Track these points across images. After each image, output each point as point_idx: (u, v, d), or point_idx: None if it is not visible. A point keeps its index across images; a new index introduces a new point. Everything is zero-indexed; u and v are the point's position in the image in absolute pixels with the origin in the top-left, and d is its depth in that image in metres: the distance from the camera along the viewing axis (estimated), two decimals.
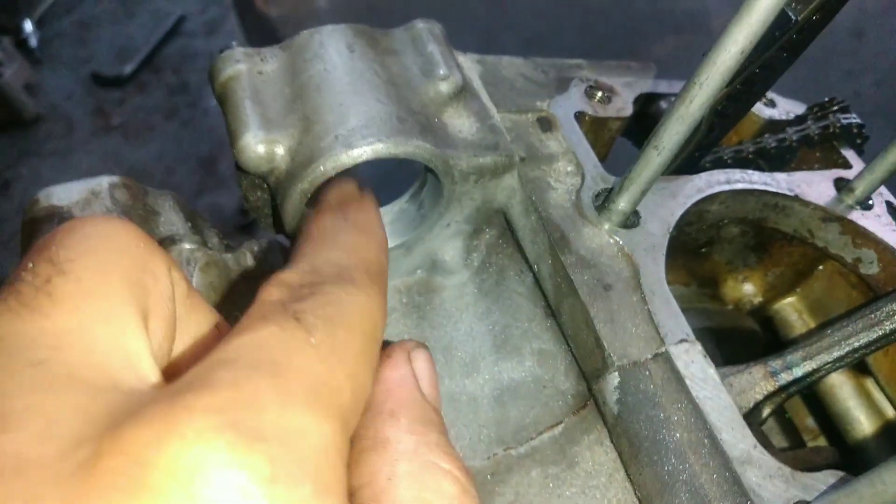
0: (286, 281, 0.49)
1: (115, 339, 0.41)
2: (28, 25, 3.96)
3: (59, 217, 0.88)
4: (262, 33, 4.14)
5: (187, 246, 0.84)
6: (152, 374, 0.42)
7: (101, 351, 0.40)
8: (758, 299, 1.15)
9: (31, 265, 0.41)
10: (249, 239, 0.99)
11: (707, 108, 0.74)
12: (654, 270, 0.82)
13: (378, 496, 0.45)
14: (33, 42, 3.96)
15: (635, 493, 0.76)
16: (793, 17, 0.83)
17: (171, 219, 0.93)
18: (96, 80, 3.82)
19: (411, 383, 0.58)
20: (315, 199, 0.84)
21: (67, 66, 3.89)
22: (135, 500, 0.32)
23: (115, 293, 0.43)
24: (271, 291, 0.48)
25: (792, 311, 1.14)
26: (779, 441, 1.17)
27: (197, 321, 0.54)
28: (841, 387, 1.08)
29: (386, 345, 0.57)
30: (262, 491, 0.34)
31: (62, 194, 0.90)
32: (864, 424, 1.05)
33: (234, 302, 0.85)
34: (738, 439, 0.72)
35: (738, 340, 1.09)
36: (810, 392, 1.12)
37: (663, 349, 0.76)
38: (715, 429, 0.72)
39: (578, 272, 0.82)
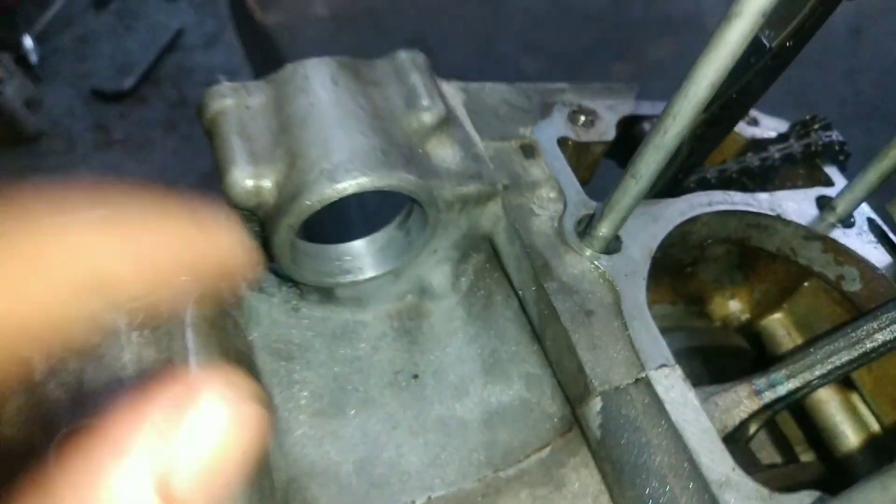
0: None
1: None
2: (28, 41, 3.99)
3: None
4: (261, 44, 4.17)
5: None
6: None
7: None
8: (745, 316, 1.17)
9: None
10: None
11: (682, 137, 0.76)
12: (635, 296, 0.84)
13: None
14: (33, 58, 3.98)
15: None
16: (766, 45, 0.85)
17: None
18: (96, 96, 3.84)
19: None
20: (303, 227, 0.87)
21: (67, 82, 3.91)
22: None
23: None
24: None
25: (779, 326, 1.16)
26: (770, 454, 1.19)
27: None
28: (828, 402, 1.10)
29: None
30: None
31: None
32: (850, 438, 1.06)
33: (228, 336, 0.87)
34: (716, 462, 0.73)
35: (726, 357, 1.11)
36: (798, 407, 1.14)
37: (643, 374, 0.78)
38: (694, 452, 0.74)
39: (561, 299, 0.83)
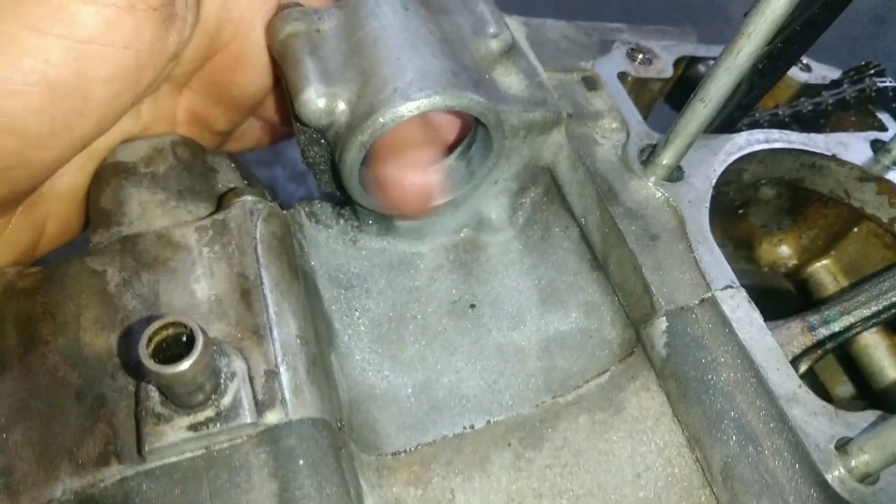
0: None
1: None
2: None
3: (124, 173, 0.91)
4: None
5: (249, 198, 0.87)
6: None
7: None
8: (792, 262, 1.18)
9: None
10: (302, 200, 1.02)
11: (754, 58, 0.76)
12: (699, 221, 0.85)
13: None
14: None
15: (683, 433, 0.79)
16: None
17: (229, 176, 0.96)
18: None
19: None
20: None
21: None
22: None
23: None
24: None
25: (826, 273, 1.16)
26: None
27: None
28: (876, 347, 1.10)
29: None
30: None
31: (128, 151, 0.94)
32: None
33: (296, 255, 0.88)
34: (783, 379, 0.74)
35: (773, 300, 1.12)
36: (844, 354, 1.14)
37: (709, 294, 0.79)
38: (761, 369, 0.74)
39: (626, 222, 0.84)
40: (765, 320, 1.00)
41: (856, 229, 1.12)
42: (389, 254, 1.00)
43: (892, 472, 0.69)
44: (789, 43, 0.93)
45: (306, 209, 1.00)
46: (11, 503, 0.67)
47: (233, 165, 0.98)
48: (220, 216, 0.86)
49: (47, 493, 0.67)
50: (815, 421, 0.72)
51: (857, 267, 1.14)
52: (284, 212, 0.96)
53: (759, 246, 1.17)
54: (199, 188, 0.91)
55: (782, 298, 1.14)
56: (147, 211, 0.87)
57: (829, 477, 0.68)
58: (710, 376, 0.75)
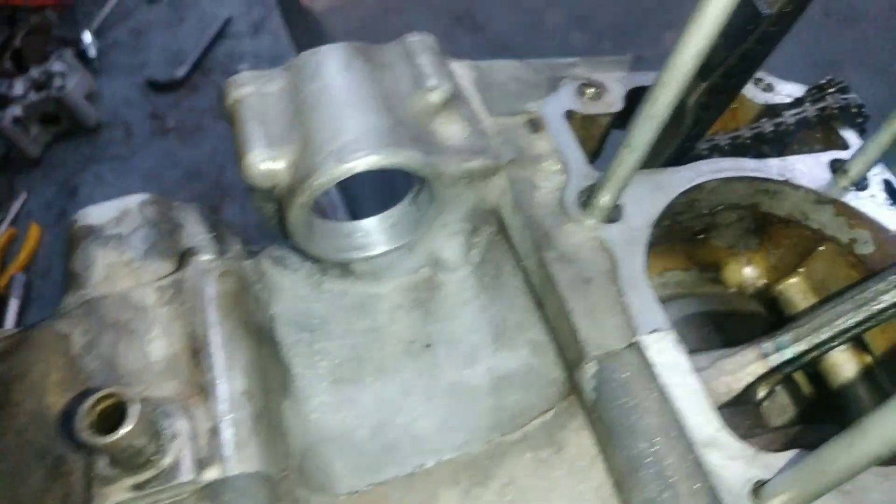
0: None
1: None
2: (87, 37, 4.17)
3: (94, 234, 0.98)
4: (307, 28, 4.24)
5: (204, 258, 0.92)
6: None
7: None
8: (761, 281, 1.18)
9: None
10: (273, 244, 1.07)
11: (672, 106, 0.78)
12: (633, 263, 0.87)
13: None
14: (92, 52, 4.16)
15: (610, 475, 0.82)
16: (761, 12, 0.85)
17: (194, 230, 1.01)
18: (151, 86, 4.00)
19: None
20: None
21: (124, 74, 4.07)
22: None
23: None
24: None
25: (796, 291, 1.16)
26: (792, 419, 1.19)
27: None
28: (842, 365, 1.10)
29: None
30: None
31: (97, 213, 1.00)
32: (864, 401, 1.07)
33: (249, 310, 0.93)
34: (703, 423, 0.76)
35: (740, 322, 1.12)
36: (815, 371, 1.14)
37: (635, 339, 0.81)
38: (681, 414, 0.76)
39: (559, 268, 0.87)
40: (729, 345, 1.01)
41: (821, 248, 1.11)
42: (350, 296, 1.04)
43: None
44: (729, 76, 0.93)
45: (274, 255, 1.05)
46: None
47: (200, 219, 1.03)
48: (177, 275, 0.92)
49: None
50: (732, 465, 0.73)
51: (825, 284, 1.13)
52: (247, 262, 1.01)
53: (726, 267, 1.17)
54: (162, 246, 0.97)
55: (750, 319, 1.14)
56: (112, 273, 0.93)
57: None
58: (633, 420, 0.78)
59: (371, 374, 0.98)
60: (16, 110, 3.71)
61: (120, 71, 4.12)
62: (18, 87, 3.81)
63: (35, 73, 3.84)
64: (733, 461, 0.73)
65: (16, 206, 3.64)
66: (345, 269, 1.03)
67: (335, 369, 0.98)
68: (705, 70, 0.92)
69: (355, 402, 0.95)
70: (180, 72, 4.00)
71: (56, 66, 3.84)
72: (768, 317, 1.16)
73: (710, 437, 0.75)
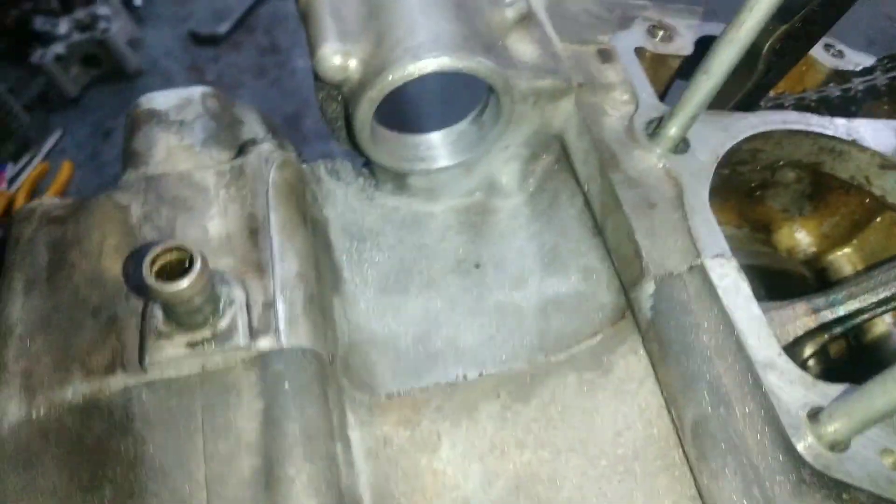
0: None
1: None
2: None
3: (156, 118, 0.98)
4: None
5: (266, 146, 0.92)
6: None
7: None
8: (812, 249, 1.16)
9: None
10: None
11: (756, 32, 0.77)
12: (698, 192, 0.86)
13: None
14: (138, 1, 4.18)
15: (662, 395, 0.81)
16: None
17: (254, 128, 1.02)
18: (193, 39, 4.01)
19: None
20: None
21: (168, 24, 4.10)
22: None
23: None
24: None
25: (846, 262, 1.15)
26: None
27: None
28: (888, 338, 1.08)
29: None
30: None
31: (160, 99, 1.00)
32: None
33: (306, 202, 0.93)
34: (763, 346, 0.75)
35: (788, 282, 1.11)
36: (857, 343, 1.13)
37: (699, 261, 0.80)
38: (742, 335, 0.75)
39: (625, 189, 0.86)
40: (771, 300, 1.00)
41: (878, 219, 1.10)
42: (403, 212, 1.04)
43: (863, 440, 0.69)
44: (808, 23, 0.92)
45: (328, 166, 1.05)
46: (28, 401, 0.74)
47: (259, 118, 1.04)
48: (237, 162, 0.92)
49: (60, 394, 0.74)
50: (790, 388, 0.72)
51: (878, 257, 1.12)
52: (304, 165, 1.01)
53: (778, 231, 1.16)
54: (223, 136, 0.97)
55: (798, 284, 1.13)
56: (173, 155, 0.94)
57: (797, 443, 0.69)
58: (690, 339, 0.77)
59: (418, 287, 0.97)
60: (58, 48, 3.73)
61: (164, 21, 4.14)
62: (63, 26, 3.83)
63: (80, 14, 3.86)
64: (791, 385, 0.72)
65: (50, 143, 3.65)
66: (399, 184, 1.03)
67: (383, 278, 0.98)
68: (786, 12, 0.91)
69: (401, 310, 0.95)
70: (223, 28, 4.01)
71: (102, 9, 3.86)
72: (816, 286, 1.15)
73: (770, 360, 0.74)
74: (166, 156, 0.94)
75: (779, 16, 0.92)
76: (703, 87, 0.83)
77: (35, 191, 3.41)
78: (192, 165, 0.92)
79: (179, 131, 0.96)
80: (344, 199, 1.03)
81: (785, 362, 0.75)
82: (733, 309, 0.77)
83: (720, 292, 0.78)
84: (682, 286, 0.79)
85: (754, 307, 0.78)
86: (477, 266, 0.99)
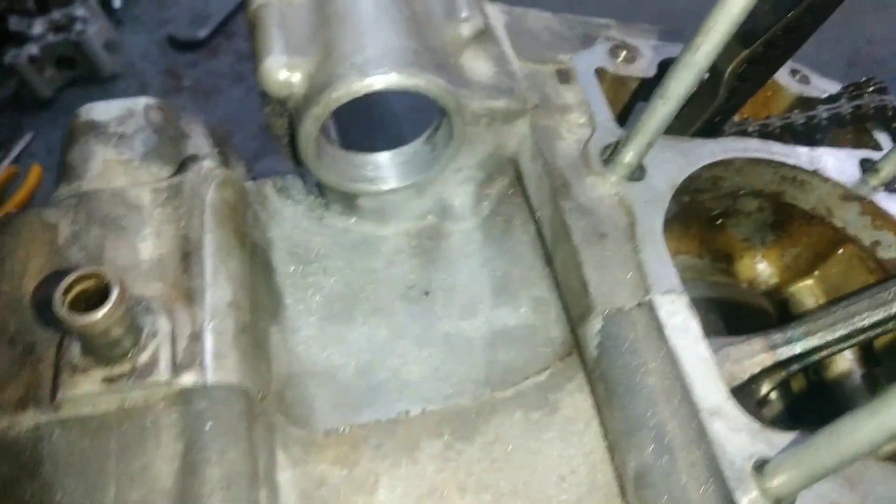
0: None
1: None
2: None
3: (95, 130, 0.94)
4: None
5: (207, 163, 0.88)
6: None
7: None
8: (773, 280, 1.14)
9: None
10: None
11: (713, 57, 0.74)
12: (652, 223, 0.83)
13: None
14: (117, 3, 4.12)
15: (605, 439, 0.77)
16: None
17: (199, 142, 0.98)
18: (171, 43, 3.96)
19: None
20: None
21: (146, 28, 4.04)
22: None
23: None
24: None
25: (808, 294, 1.12)
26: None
27: None
28: (849, 376, 1.06)
29: None
30: None
31: (101, 110, 0.96)
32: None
33: (246, 224, 0.89)
34: (710, 391, 0.72)
35: (747, 316, 1.08)
36: (818, 379, 1.10)
37: (648, 298, 0.77)
38: (688, 378, 0.72)
39: (575, 218, 0.83)
40: (730, 335, 0.97)
41: (840, 251, 1.07)
42: (353, 234, 1.00)
43: (811, 494, 0.66)
44: (771, 48, 0.89)
45: (277, 183, 1.01)
46: None
47: (205, 132, 1.00)
48: (175, 179, 0.87)
49: None
50: (736, 437, 0.69)
51: (840, 290, 1.09)
52: (251, 182, 0.97)
53: (739, 260, 1.13)
54: (164, 151, 0.93)
55: (759, 315, 1.10)
56: (109, 169, 0.89)
57: (741, 498, 0.66)
58: (636, 381, 0.73)
59: (364, 314, 0.93)
60: (32, 49, 3.66)
61: (142, 25, 4.08)
62: (38, 26, 3.77)
63: (57, 15, 3.80)
64: (737, 433, 0.69)
65: (20, 145, 3.59)
66: (349, 205, 0.99)
67: (327, 304, 0.94)
68: (748, 37, 0.89)
69: (344, 339, 0.91)
70: (202, 32, 3.96)
71: (79, 10, 3.80)
72: (777, 318, 1.12)
73: (716, 406, 0.71)
74: (102, 171, 0.89)
75: (741, 40, 0.89)
76: (659, 113, 0.80)
77: (2, 195, 3.34)
78: (128, 182, 0.88)
79: (118, 144, 0.92)
80: (292, 218, 0.99)
81: (732, 408, 0.71)
82: (681, 350, 0.74)
83: (668, 331, 0.75)
84: (630, 324, 0.76)
85: (703, 348, 0.75)
86: (426, 293, 0.96)
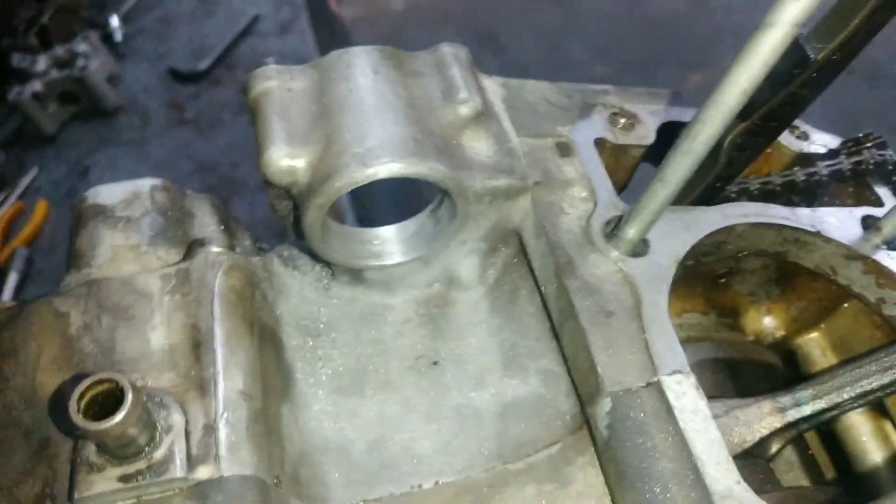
0: None
1: None
2: (114, 21, 4.16)
3: (101, 215, 0.95)
4: (333, 34, 4.24)
5: (214, 249, 0.89)
6: None
7: None
8: (780, 333, 1.14)
9: None
10: (282, 243, 1.04)
11: (710, 144, 0.75)
12: (657, 300, 0.84)
13: None
14: (118, 37, 4.15)
15: None
16: (811, 56, 0.83)
17: (205, 221, 0.99)
18: (173, 75, 3.98)
19: None
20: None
21: (147, 61, 4.07)
22: None
23: None
24: None
25: (815, 346, 1.13)
26: (797, 476, 1.15)
27: None
28: (859, 428, 1.06)
29: None
30: None
31: (107, 194, 0.97)
32: (879, 466, 1.03)
33: (254, 307, 0.90)
34: (721, 474, 0.72)
35: (755, 373, 1.08)
36: (829, 430, 1.11)
37: (656, 379, 0.78)
38: (700, 462, 0.73)
39: (581, 297, 0.84)
40: (742, 395, 0.98)
41: (846, 305, 1.08)
42: (360, 304, 1.01)
43: None
44: (768, 119, 0.91)
45: (284, 254, 1.02)
46: None
47: (212, 211, 1.01)
48: (184, 265, 0.89)
49: None
50: None
51: (846, 343, 1.10)
52: (256, 259, 0.98)
53: (745, 314, 1.14)
54: (171, 233, 0.94)
55: (766, 371, 1.11)
56: (117, 255, 0.91)
57: None
58: (647, 464, 0.74)
59: (374, 387, 0.94)
60: (36, 86, 3.69)
61: (143, 58, 4.10)
62: (41, 63, 3.79)
63: (59, 51, 3.82)
64: None
65: (25, 181, 3.60)
66: (356, 276, 1.00)
67: (337, 378, 0.95)
68: (745, 111, 0.89)
69: (355, 413, 0.92)
70: (203, 64, 3.98)
71: (81, 46, 3.82)
72: (784, 370, 1.13)
73: (728, 489, 0.71)
74: (111, 257, 0.90)
75: (739, 114, 0.90)
76: (659, 195, 0.81)
77: (9, 231, 3.36)
78: (136, 268, 0.89)
79: (125, 229, 0.93)
80: (299, 290, 1.00)
81: (743, 491, 0.72)
82: (691, 432, 0.75)
83: (677, 413, 0.76)
84: (639, 405, 0.77)
85: (713, 429, 0.76)
86: (435, 363, 0.97)
